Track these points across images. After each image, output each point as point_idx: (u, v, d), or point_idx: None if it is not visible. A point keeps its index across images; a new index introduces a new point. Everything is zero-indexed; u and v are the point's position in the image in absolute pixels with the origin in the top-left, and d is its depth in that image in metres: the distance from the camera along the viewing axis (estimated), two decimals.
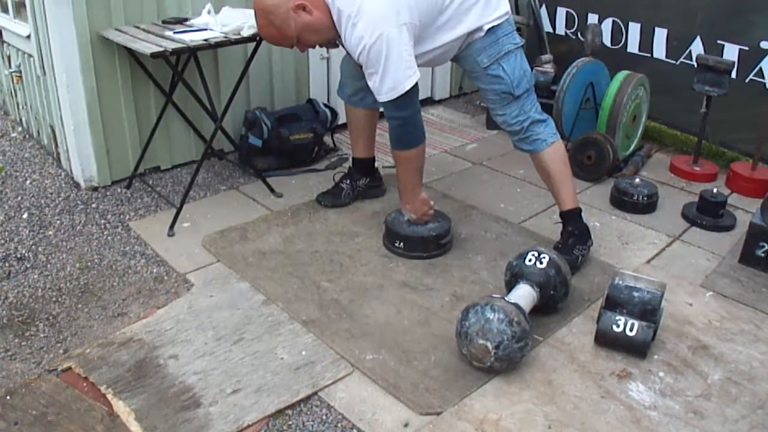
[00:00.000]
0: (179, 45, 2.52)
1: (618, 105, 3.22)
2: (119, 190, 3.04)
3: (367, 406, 1.85)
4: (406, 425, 1.78)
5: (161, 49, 2.46)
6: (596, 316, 2.10)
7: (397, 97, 2.24)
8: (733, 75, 3.10)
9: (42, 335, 2.11)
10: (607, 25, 3.67)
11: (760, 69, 3.11)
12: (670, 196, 3.12)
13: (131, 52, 2.79)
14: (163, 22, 2.90)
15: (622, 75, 3.28)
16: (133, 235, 2.69)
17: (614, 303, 2.05)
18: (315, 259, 2.52)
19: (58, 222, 2.77)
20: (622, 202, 2.97)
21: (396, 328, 2.14)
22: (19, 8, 3.22)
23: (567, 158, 2.51)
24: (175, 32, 2.68)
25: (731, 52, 3.18)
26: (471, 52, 2.38)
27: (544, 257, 2.14)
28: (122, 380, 1.90)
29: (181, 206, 2.77)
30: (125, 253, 2.56)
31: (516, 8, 4.07)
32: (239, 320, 2.17)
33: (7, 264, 2.47)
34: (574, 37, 3.90)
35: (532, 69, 2.54)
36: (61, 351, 2.03)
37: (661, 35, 3.47)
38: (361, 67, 2.27)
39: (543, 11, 3.99)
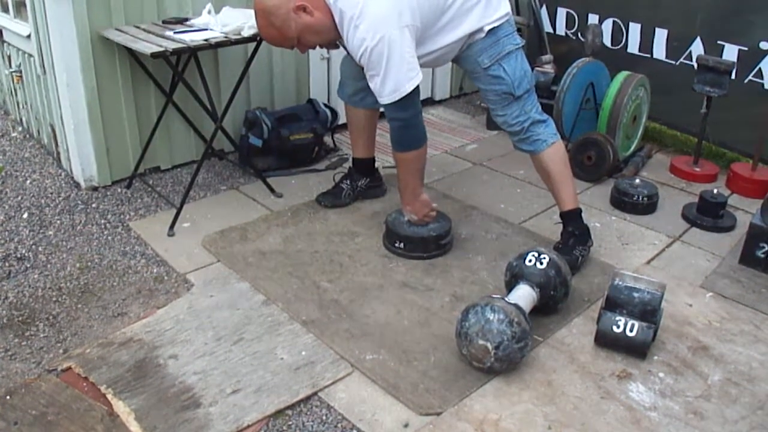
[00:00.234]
0: (179, 45, 2.52)
1: (618, 105, 3.22)
2: (119, 190, 3.04)
3: (367, 406, 1.85)
4: (406, 425, 1.78)
5: (161, 49, 2.46)
6: (596, 316, 2.10)
7: (399, 99, 2.24)
8: (733, 75, 3.10)
9: (42, 335, 2.11)
10: (607, 26, 3.67)
11: (760, 69, 3.11)
12: (670, 197, 3.12)
13: (131, 52, 2.79)
14: (164, 22, 2.90)
15: (622, 75, 3.28)
16: (133, 235, 2.69)
17: (614, 303, 2.05)
18: (315, 259, 2.52)
19: (58, 222, 2.77)
20: (623, 202, 2.97)
21: (396, 329, 2.14)
22: (20, 8, 3.22)
23: (567, 159, 2.51)
24: (175, 32, 2.68)
25: (731, 52, 3.18)
26: (472, 52, 2.38)
27: (544, 258, 2.14)
28: (122, 380, 1.90)
29: (181, 206, 2.77)
30: (125, 253, 2.56)
31: (516, 9, 4.07)
32: (239, 320, 2.17)
33: (7, 264, 2.47)
34: (574, 38, 3.90)
35: (532, 69, 2.54)
36: (61, 351, 2.03)
37: (661, 36, 3.47)
38: (363, 68, 2.27)
39: (543, 12, 3.99)
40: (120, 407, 1.79)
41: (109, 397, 1.83)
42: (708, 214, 2.85)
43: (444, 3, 2.26)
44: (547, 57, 3.74)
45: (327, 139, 3.48)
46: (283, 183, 3.13)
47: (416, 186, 2.50)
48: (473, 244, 2.66)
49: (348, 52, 2.34)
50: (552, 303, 2.18)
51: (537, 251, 2.18)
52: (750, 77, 3.16)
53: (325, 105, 3.48)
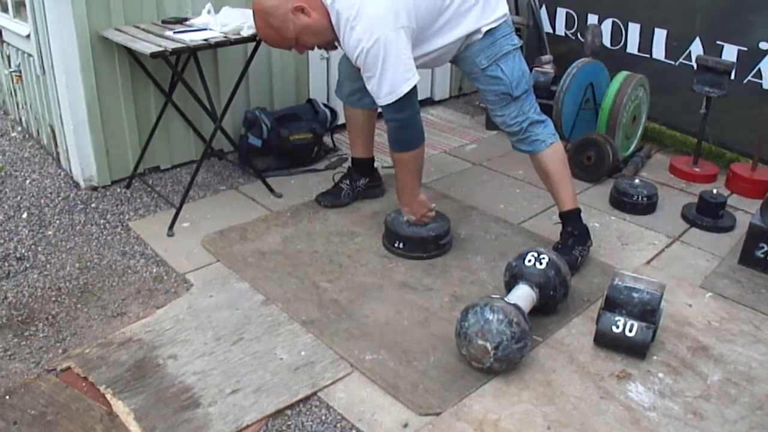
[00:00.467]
0: (179, 45, 2.52)
1: (618, 106, 3.22)
2: (119, 189, 3.04)
3: (367, 406, 1.85)
4: (405, 426, 1.78)
5: (161, 49, 2.46)
6: (596, 316, 2.10)
7: (396, 100, 2.23)
8: (732, 76, 3.10)
9: (41, 335, 2.10)
10: (606, 26, 3.67)
11: (759, 70, 3.11)
12: (669, 197, 3.12)
13: (131, 52, 2.79)
14: (163, 22, 2.90)
15: (621, 76, 3.28)
16: (132, 235, 2.69)
17: (614, 304, 2.05)
18: (314, 259, 2.52)
19: (58, 222, 2.77)
20: (622, 202, 2.97)
21: (395, 329, 2.14)
22: (19, 8, 3.22)
23: (566, 159, 2.51)
24: (174, 32, 2.68)
25: (730, 52, 3.18)
26: (470, 53, 2.38)
27: (543, 258, 2.15)
28: (121, 380, 1.90)
29: (181, 206, 2.77)
30: (125, 253, 2.56)
31: (516, 9, 4.08)
32: (239, 320, 2.17)
33: (6, 264, 2.47)
34: (573, 38, 3.90)
35: (531, 70, 2.54)
36: (60, 351, 2.03)
37: (660, 36, 3.47)
38: (359, 69, 2.27)
39: (543, 12, 3.99)
40: (119, 407, 1.79)
41: (109, 397, 1.83)
42: (707, 215, 2.85)
43: (441, 4, 2.26)
44: (547, 57, 3.74)
45: (326, 139, 3.48)
46: (283, 183, 3.13)
47: (414, 186, 2.50)
48: (472, 244, 2.66)
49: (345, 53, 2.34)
50: (551, 303, 2.18)
51: (536, 251, 2.18)
52: (749, 77, 3.16)
53: (325, 105, 3.48)
